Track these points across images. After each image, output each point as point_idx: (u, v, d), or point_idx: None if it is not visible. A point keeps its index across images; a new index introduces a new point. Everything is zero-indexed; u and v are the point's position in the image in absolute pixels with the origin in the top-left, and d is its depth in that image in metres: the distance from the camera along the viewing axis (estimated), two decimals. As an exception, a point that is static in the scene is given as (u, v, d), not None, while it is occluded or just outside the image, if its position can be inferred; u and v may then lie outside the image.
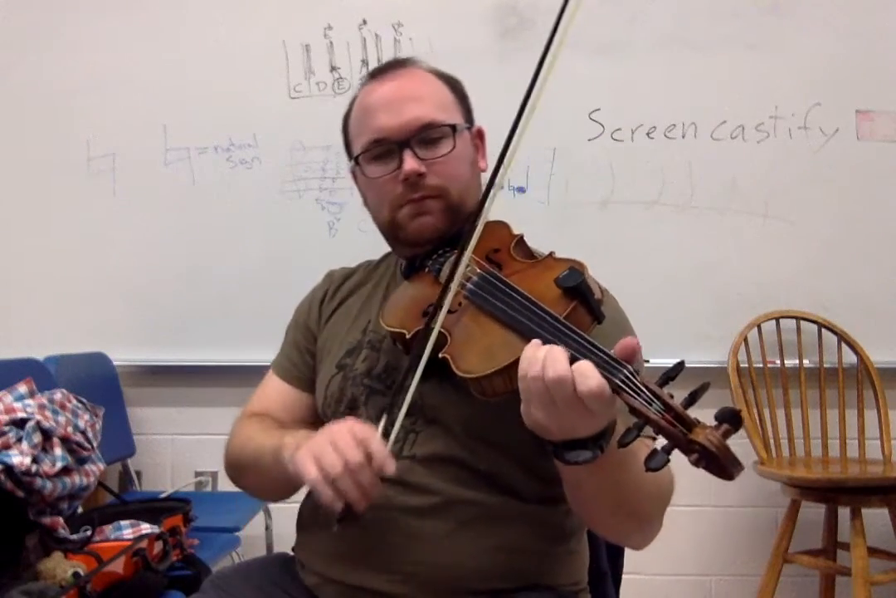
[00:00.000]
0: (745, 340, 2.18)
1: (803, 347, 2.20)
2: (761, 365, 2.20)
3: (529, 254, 0.99)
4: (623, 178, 2.27)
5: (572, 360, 0.73)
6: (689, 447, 0.67)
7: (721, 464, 0.67)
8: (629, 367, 0.73)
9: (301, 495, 1.08)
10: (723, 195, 2.27)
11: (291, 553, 1.09)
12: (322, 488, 0.80)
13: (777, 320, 2.21)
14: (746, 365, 2.18)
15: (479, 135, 1.09)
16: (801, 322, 2.21)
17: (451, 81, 1.07)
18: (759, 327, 2.21)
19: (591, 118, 2.27)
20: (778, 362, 2.21)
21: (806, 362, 2.21)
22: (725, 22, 2.25)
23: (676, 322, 2.20)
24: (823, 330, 2.21)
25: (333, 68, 2.34)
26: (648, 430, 0.86)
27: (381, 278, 1.14)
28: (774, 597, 2.04)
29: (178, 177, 2.37)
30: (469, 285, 0.90)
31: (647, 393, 0.71)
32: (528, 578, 0.95)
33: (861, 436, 2.15)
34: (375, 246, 1.22)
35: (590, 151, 2.26)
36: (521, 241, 0.99)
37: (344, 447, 0.81)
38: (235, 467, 1.07)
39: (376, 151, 1.01)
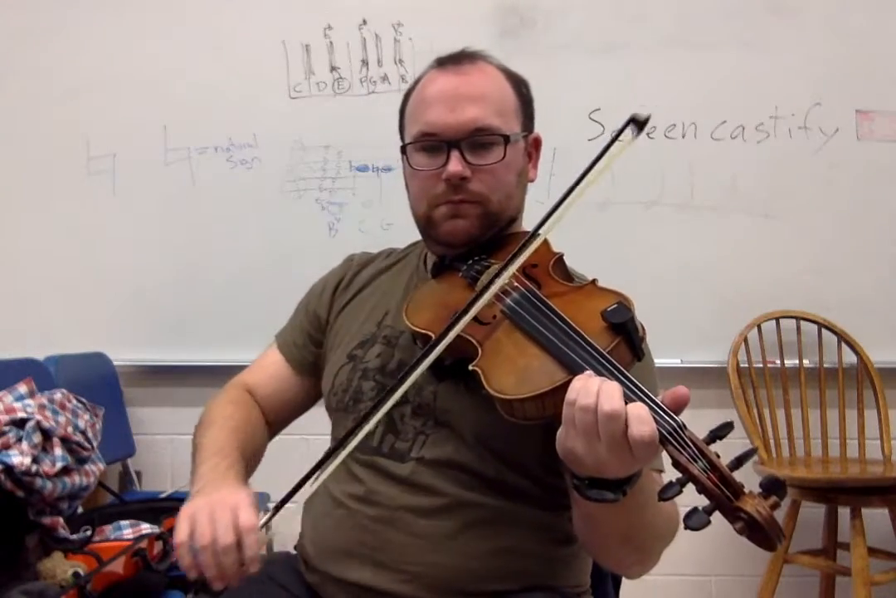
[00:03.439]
0: (745, 340, 2.18)
1: (803, 347, 2.20)
2: (761, 365, 2.20)
3: (567, 275, 0.97)
4: (623, 178, 2.27)
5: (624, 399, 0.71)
6: (735, 514, 0.66)
7: (767, 536, 0.66)
8: (678, 419, 0.71)
9: (303, 494, 1.08)
10: (723, 195, 2.26)
11: (294, 552, 1.09)
12: (183, 553, 0.82)
13: (777, 320, 2.21)
14: (746, 365, 2.18)
15: (536, 144, 1.07)
16: (801, 322, 2.21)
17: (518, 84, 1.04)
18: (759, 327, 2.20)
19: (591, 118, 2.27)
20: (778, 362, 2.21)
21: (806, 362, 2.21)
22: (725, 22, 2.25)
23: (676, 322, 2.20)
24: (823, 330, 2.21)
25: (333, 68, 2.34)
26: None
27: (402, 269, 1.13)
28: (774, 597, 2.04)
29: (178, 177, 2.36)
30: (508, 301, 0.88)
31: (693, 449, 0.69)
32: (532, 580, 0.95)
33: (861, 436, 2.15)
34: (375, 246, 1.22)
35: (590, 151, 2.25)
36: (560, 260, 0.97)
37: (219, 525, 0.81)
38: (192, 441, 1.08)
39: (425, 143, 0.98)
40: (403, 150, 1.02)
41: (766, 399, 2.17)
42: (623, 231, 2.27)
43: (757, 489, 0.68)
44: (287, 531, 0.86)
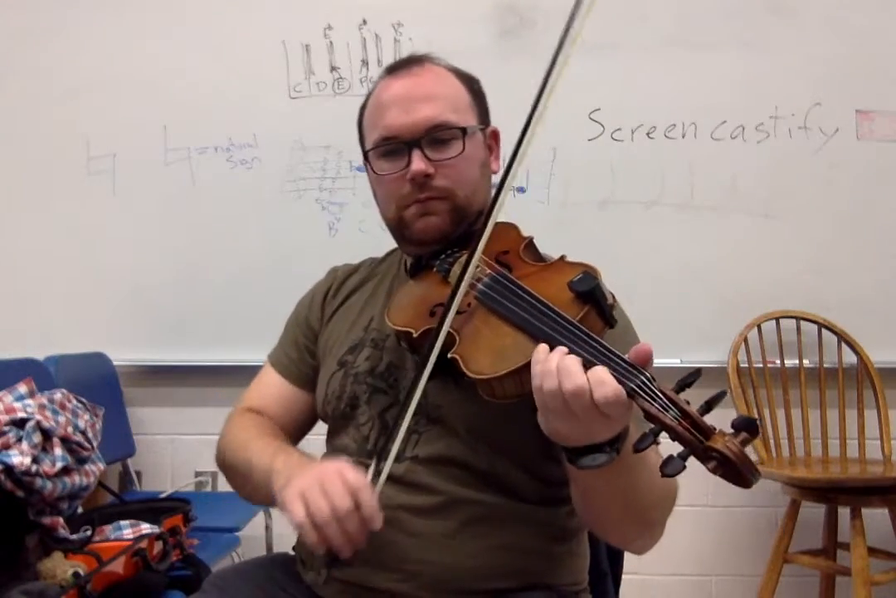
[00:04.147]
0: (745, 340, 2.18)
1: (803, 347, 2.20)
2: (761, 365, 2.20)
3: (539, 257, 0.99)
4: (623, 178, 2.27)
5: (587, 365, 0.73)
6: (706, 454, 0.68)
7: (739, 472, 0.67)
8: (646, 373, 0.72)
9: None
10: (723, 195, 2.26)
11: (292, 553, 1.09)
12: (308, 531, 0.81)
13: (777, 320, 2.20)
14: (746, 365, 2.18)
15: (494, 136, 1.09)
16: (801, 322, 2.21)
17: (468, 80, 1.06)
18: (759, 327, 2.20)
19: (591, 118, 2.27)
20: (778, 362, 2.21)
21: (806, 362, 2.21)
22: (725, 22, 2.25)
23: (676, 322, 2.20)
24: (823, 330, 2.21)
25: (333, 68, 2.34)
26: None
27: (384, 276, 1.14)
28: (774, 597, 2.04)
29: (178, 177, 2.37)
30: (480, 286, 0.90)
31: (664, 399, 0.70)
32: (530, 578, 0.95)
33: (861, 436, 2.15)
34: (375, 246, 1.22)
35: (590, 151, 2.26)
36: (530, 243, 0.98)
37: (333, 493, 0.80)
38: (227, 468, 1.07)
39: (386, 148, 1.00)
40: (366, 158, 1.04)
41: (766, 399, 2.18)
42: (623, 231, 2.27)
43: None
44: (286, 532, 0.86)
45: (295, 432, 1.14)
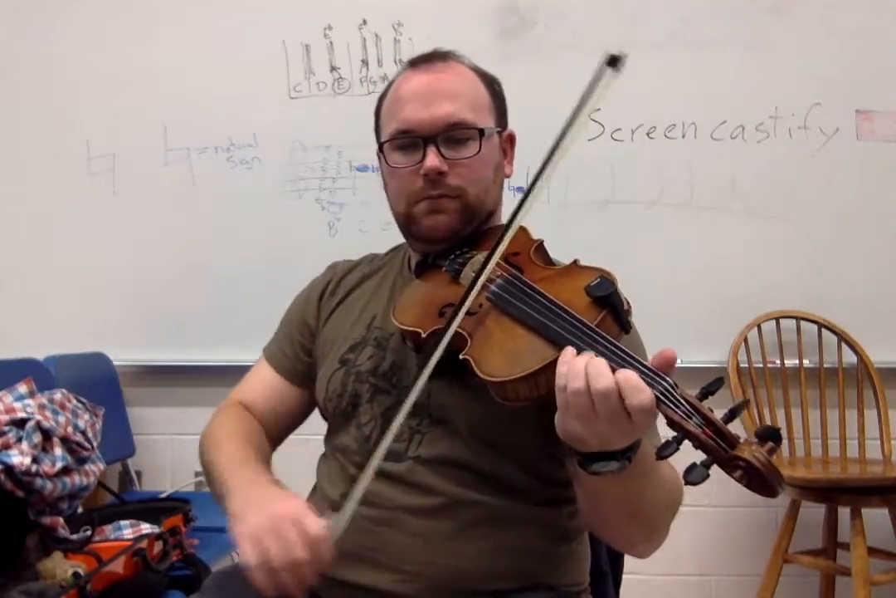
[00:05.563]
0: (745, 340, 2.18)
1: (803, 347, 2.20)
2: (761, 365, 2.20)
3: (548, 260, 0.99)
4: (623, 178, 2.27)
5: (612, 369, 0.72)
6: (732, 463, 0.67)
7: (767, 481, 0.67)
8: (669, 379, 0.72)
9: (303, 493, 1.08)
10: (723, 195, 2.26)
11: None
12: (259, 575, 0.79)
13: (777, 320, 2.21)
14: (746, 365, 2.18)
15: (510, 140, 1.08)
16: (801, 322, 2.21)
17: (490, 82, 1.06)
18: (759, 327, 2.21)
19: (591, 118, 2.26)
20: (778, 362, 2.21)
21: (806, 362, 2.21)
22: (725, 22, 2.25)
23: (676, 322, 2.20)
24: (823, 330, 2.21)
25: (333, 68, 2.34)
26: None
27: (387, 273, 1.13)
28: (774, 597, 2.04)
29: (178, 177, 2.37)
30: (493, 287, 0.89)
31: (687, 406, 0.70)
32: (531, 578, 0.95)
33: (861, 436, 2.15)
34: (375, 246, 1.22)
35: (590, 151, 2.26)
36: (540, 246, 0.98)
37: (290, 543, 0.78)
38: (203, 465, 1.06)
39: (402, 141, 1.00)
40: (381, 149, 1.03)
41: (766, 399, 2.18)
42: (623, 231, 2.27)
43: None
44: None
45: (281, 427, 1.14)
